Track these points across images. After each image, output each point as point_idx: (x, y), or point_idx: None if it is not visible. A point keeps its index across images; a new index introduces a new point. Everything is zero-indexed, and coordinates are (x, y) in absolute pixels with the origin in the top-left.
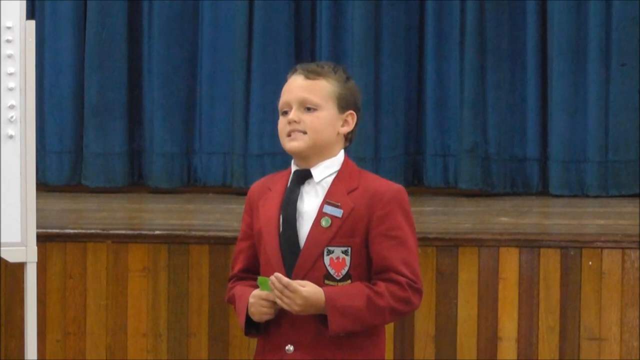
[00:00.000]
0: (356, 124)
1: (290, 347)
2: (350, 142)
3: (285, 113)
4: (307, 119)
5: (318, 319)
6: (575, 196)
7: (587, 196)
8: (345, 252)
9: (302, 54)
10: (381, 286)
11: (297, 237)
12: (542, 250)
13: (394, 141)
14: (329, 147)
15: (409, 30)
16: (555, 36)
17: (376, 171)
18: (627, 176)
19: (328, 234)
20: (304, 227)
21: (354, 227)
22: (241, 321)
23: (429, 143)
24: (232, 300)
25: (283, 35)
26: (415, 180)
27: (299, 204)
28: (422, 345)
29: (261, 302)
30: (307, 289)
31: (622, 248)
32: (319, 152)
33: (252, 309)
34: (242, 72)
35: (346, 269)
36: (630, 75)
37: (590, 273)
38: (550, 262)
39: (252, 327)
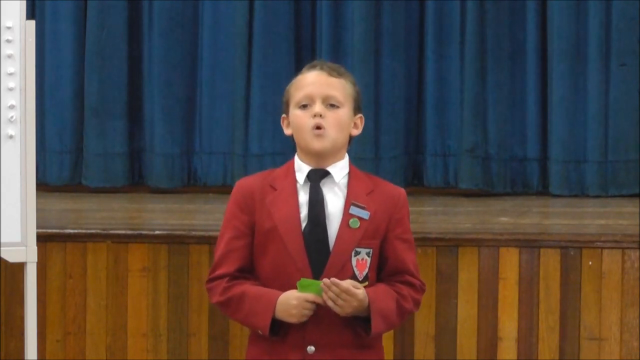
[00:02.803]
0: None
1: (311, 348)
2: (350, 145)
3: (305, 107)
4: (331, 115)
5: (345, 319)
6: (575, 196)
7: (587, 196)
8: (368, 254)
9: (302, 54)
10: (403, 289)
11: (328, 237)
12: (542, 250)
13: (394, 141)
14: (342, 147)
15: (409, 30)
16: (555, 36)
17: (376, 171)
18: (627, 176)
19: (357, 235)
20: (331, 228)
21: (376, 230)
22: (265, 322)
23: (429, 143)
24: (236, 301)
25: (283, 35)
26: (415, 180)
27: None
28: (422, 345)
29: (305, 305)
30: (361, 291)
31: (622, 248)
32: (336, 152)
33: (294, 311)
34: (242, 72)
35: (367, 270)
36: (630, 75)
37: (590, 273)
38: (550, 262)
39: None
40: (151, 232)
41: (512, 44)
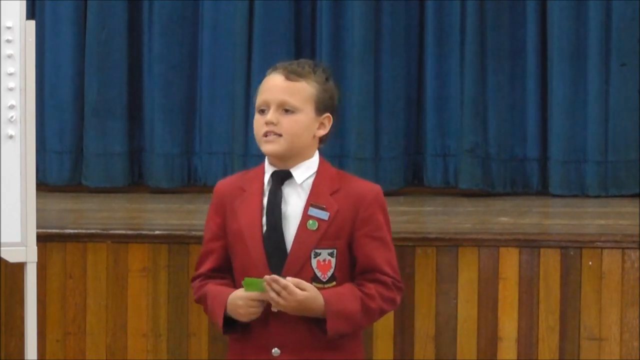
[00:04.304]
0: (332, 126)
1: (276, 350)
2: (324, 143)
3: (263, 112)
4: (285, 121)
5: (308, 321)
6: (575, 196)
7: (587, 196)
8: (331, 254)
9: (302, 54)
10: (371, 288)
11: (284, 240)
12: (542, 250)
13: (394, 141)
14: (305, 149)
15: (409, 30)
16: (555, 36)
17: (376, 171)
18: (627, 176)
19: (315, 236)
20: (290, 230)
21: (339, 229)
22: (218, 320)
23: (429, 143)
24: (202, 299)
25: (283, 35)
26: (415, 180)
27: (282, 206)
28: (422, 345)
29: (250, 303)
30: (305, 293)
31: (622, 248)
32: (296, 154)
33: (240, 311)
34: (242, 72)
35: (332, 270)
36: (630, 75)
37: (590, 273)
38: (550, 262)
39: (229, 326)
40: (151, 232)
41: (512, 44)
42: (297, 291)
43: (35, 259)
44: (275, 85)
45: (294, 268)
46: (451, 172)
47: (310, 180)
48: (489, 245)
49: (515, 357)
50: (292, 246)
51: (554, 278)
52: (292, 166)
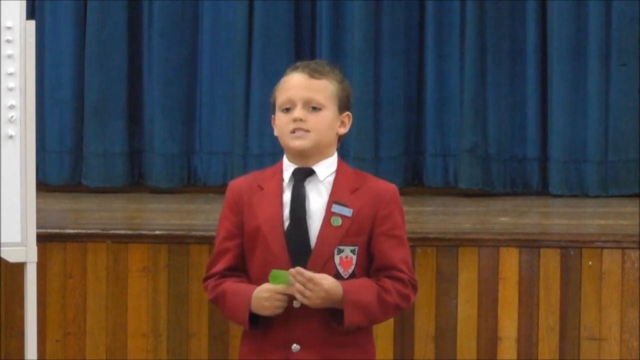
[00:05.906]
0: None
1: (296, 346)
2: (341, 142)
3: (288, 110)
4: (312, 118)
5: (327, 316)
6: (575, 196)
7: (587, 196)
8: (353, 251)
9: (302, 54)
10: (387, 283)
11: (308, 236)
12: (542, 250)
13: (394, 141)
14: (327, 147)
15: (409, 30)
16: (555, 36)
17: (376, 171)
18: (627, 176)
19: (339, 233)
20: (313, 226)
21: (361, 226)
22: (244, 317)
23: (429, 143)
24: (220, 298)
25: (283, 35)
26: (415, 180)
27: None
28: (422, 345)
29: (276, 297)
30: (328, 282)
31: (622, 248)
32: (320, 151)
33: (266, 303)
34: (242, 72)
35: (352, 267)
36: (630, 75)
37: (590, 273)
38: (550, 262)
39: (251, 322)
40: (151, 232)
41: (512, 44)
42: (322, 282)
43: (35, 259)
44: (299, 84)
45: (317, 264)
46: (451, 172)
47: (331, 178)
48: (489, 245)
49: (515, 357)
50: (316, 242)
51: (554, 278)
52: (313, 164)
